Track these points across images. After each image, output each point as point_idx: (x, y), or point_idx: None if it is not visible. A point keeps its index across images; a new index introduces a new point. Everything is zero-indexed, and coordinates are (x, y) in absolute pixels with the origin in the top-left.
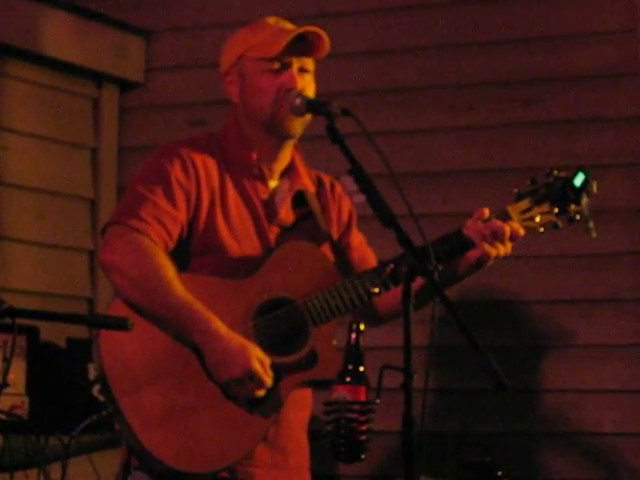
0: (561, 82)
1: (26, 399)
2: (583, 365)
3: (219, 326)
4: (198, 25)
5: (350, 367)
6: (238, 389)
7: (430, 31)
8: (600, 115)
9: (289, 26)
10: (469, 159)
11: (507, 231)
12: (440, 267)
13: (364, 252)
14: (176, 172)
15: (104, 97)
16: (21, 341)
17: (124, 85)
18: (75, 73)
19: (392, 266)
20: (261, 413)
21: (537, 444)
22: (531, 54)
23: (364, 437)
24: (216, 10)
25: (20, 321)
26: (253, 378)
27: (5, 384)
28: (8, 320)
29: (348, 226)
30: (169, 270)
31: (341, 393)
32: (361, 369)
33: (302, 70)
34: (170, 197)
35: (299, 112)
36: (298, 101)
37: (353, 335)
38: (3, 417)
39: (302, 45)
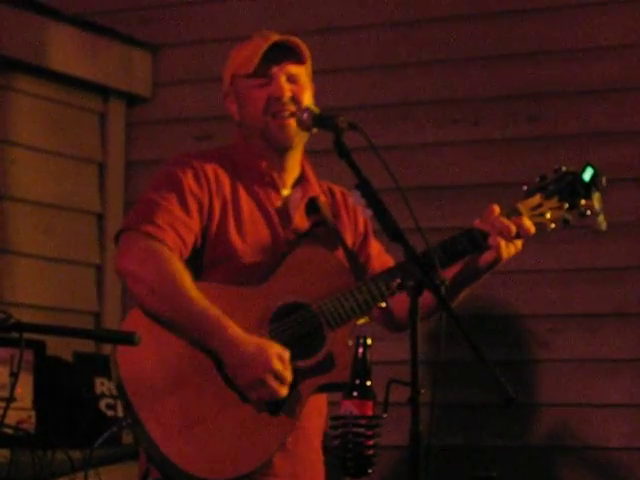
0: (567, 97)
1: (33, 413)
2: (590, 379)
3: (236, 331)
4: (205, 40)
5: (357, 382)
6: (261, 391)
7: (435, 45)
8: (606, 130)
9: (268, 39)
10: (474, 174)
11: (515, 228)
12: (453, 270)
13: (384, 260)
14: (189, 181)
15: (111, 111)
16: (28, 355)
17: (131, 99)
18: (82, 87)
19: (399, 280)
20: (282, 417)
21: (544, 459)
22: (536, 68)
23: (371, 452)
24: (223, 25)
25: (27, 335)
26: (275, 376)
27: (12, 398)
28: (15, 334)
29: (365, 236)
30: (186, 277)
31: (348, 408)
32: (368, 384)
33: (291, 79)
34: (184, 205)
35: (306, 126)
36: (305, 116)
37: (360, 349)
38: (10, 431)
39: (284, 53)
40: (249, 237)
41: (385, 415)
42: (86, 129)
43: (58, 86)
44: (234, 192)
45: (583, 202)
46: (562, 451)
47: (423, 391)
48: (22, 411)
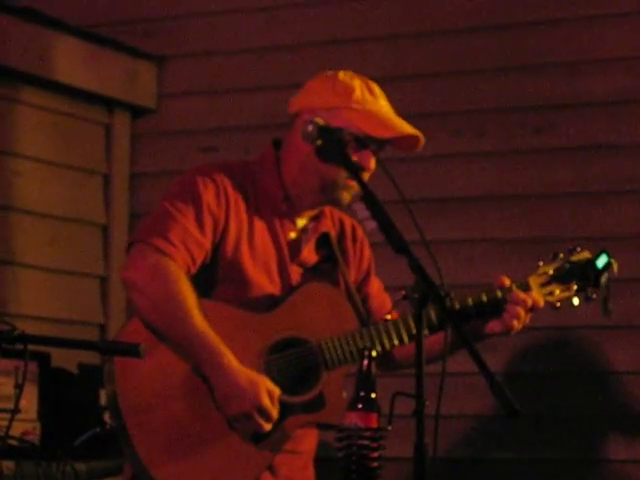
0: (573, 108)
1: (38, 425)
2: (596, 391)
3: (230, 360)
4: (210, 51)
5: (362, 394)
6: (245, 424)
7: (441, 57)
8: (612, 142)
9: (395, 120)
10: (480, 186)
11: (531, 302)
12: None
13: (382, 299)
14: (208, 197)
15: (116, 123)
16: (33, 367)
17: (136, 111)
18: (87, 99)
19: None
20: (265, 447)
21: (550, 471)
22: (542, 80)
23: (376, 464)
24: (228, 37)
25: (32, 347)
26: (262, 412)
27: (17, 410)
28: (20, 346)
29: (367, 274)
30: (190, 297)
31: (353, 420)
32: (373, 396)
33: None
34: (199, 222)
35: (311, 138)
36: (310, 127)
37: (365, 362)
38: (15, 443)
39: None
40: (259, 265)
41: (390, 427)
42: (91, 141)
43: (63, 98)
44: (250, 215)
45: (592, 288)
46: (568, 463)
47: (428, 403)
48: (27, 423)
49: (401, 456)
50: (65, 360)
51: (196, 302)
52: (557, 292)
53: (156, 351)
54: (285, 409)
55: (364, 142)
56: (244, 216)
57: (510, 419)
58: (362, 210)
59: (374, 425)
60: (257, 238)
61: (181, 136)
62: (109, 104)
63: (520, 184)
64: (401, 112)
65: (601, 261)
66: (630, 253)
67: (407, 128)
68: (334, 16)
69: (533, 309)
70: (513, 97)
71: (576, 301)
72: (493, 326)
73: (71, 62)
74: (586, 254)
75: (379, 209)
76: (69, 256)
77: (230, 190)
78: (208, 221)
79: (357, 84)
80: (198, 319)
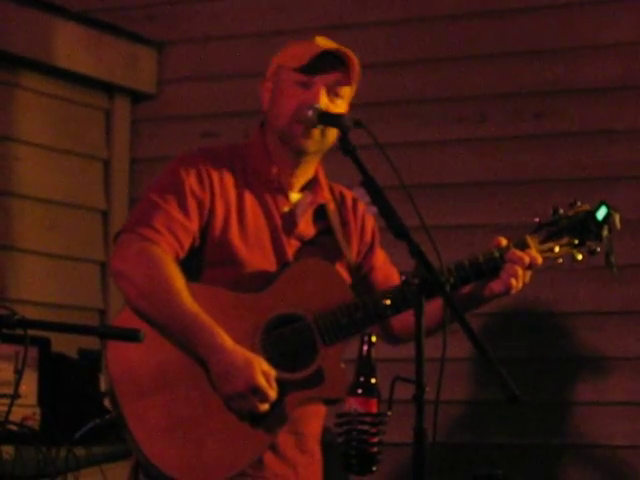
0: (572, 95)
1: (37, 410)
2: (594, 377)
3: (224, 339)
4: (210, 37)
5: (362, 379)
6: (242, 403)
7: (441, 43)
8: (611, 128)
9: (326, 43)
10: (480, 171)
11: (528, 259)
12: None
13: (388, 271)
14: (190, 181)
15: (116, 108)
16: (32, 352)
17: (136, 96)
18: (87, 84)
19: (404, 277)
20: (264, 427)
21: (549, 456)
22: (542, 67)
23: (375, 449)
24: (228, 22)
25: (32, 332)
26: (257, 392)
27: (17, 395)
28: (20, 331)
29: (371, 246)
30: (178, 281)
31: (353, 405)
32: (373, 381)
33: (334, 94)
34: (183, 206)
35: (311, 124)
36: (310, 113)
37: (365, 347)
38: (14, 428)
39: (334, 66)
40: (252, 242)
41: (390, 412)
42: (91, 126)
43: (63, 83)
44: (240, 196)
45: (593, 240)
46: (567, 449)
47: (427, 388)
48: (27, 408)
49: (401, 441)
50: (65, 345)
51: (184, 285)
52: (557, 248)
53: (147, 338)
54: (284, 387)
55: (314, 82)
56: (232, 196)
57: (510, 405)
58: (362, 195)
59: (374, 410)
60: (248, 217)
61: (181, 121)
62: (109, 89)
63: (520, 170)
64: (400, 97)
65: (601, 213)
66: (628, 239)
67: (331, 43)
68: (335, 2)
69: (532, 266)
70: (513, 83)
71: (579, 256)
72: (493, 286)
73: (71, 47)
74: (586, 207)
75: (379, 195)
76: (69, 241)
77: (214, 173)
78: (192, 205)
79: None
80: (188, 301)
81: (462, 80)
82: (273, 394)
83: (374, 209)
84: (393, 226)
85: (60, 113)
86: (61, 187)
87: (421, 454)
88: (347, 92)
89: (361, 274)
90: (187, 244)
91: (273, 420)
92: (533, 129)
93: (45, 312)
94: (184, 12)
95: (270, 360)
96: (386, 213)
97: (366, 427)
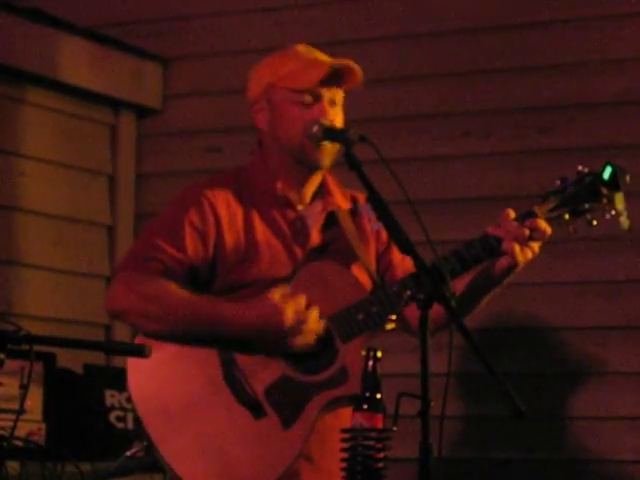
0: (577, 109)
1: (43, 426)
2: (600, 392)
3: (234, 305)
4: (215, 52)
5: (367, 394)
6: (298, 337)
7: (446, 58)
8: (616, 142)
9: (321, 57)
10: (485, 186)
11: (527, 231)
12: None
13: (407, 267)
14: (190, 217)
15: (121, 124)
16: (38, 368)
17: (141, 112)
18: (92, 100)
19: (409, 293)
20: (291, 434)
21: (555, 471)
22: (547, 81)
23: (381, 464)
24: (233, 37)
25: (37, 347)
26: (300, 314)
27: (22, 411)
28: (25, 347)
29: (388, 243)
30: (169, 285)
31: (358, 420)
32: (378, 396)
33: (332, 102)
34: (177, 240)
35: (316, 140)
36: (316, 129)
37: (370, 362)
38: (20, 444)
39: (333, 76)
40: (265, 260)
41: (395, 428)
42: (96, 141)
43: (69, 98)
44: (248, 219)
45: (604, 202)
46: (574, 464)
47: (433, 404)
48: (32, 423)
49: (406, 457)
50: (70, 361)
51: (178, 284)
52: (567, 216)
53: (166, 362)
54: (309, 391)
55: (315, 96)
56: (240, 224)
57: (516, 419)
58: (369, 211)
59: (379, 426)
60: (259, 237)
61: (186, 136)
62: (115, 105)
63: (525, 184)
64: (405, 112)
65: (607, 172)
66: (633, 254)
67: (337, 60)
68: (338, 17)
69: (536, 238)
70: (518, 98)
71: (594, 222)
72: (500, 263)
73: (77, 63)
74: (591, 170)
75: (385, 210)
76: (74, 256)
77: (220, 204)
78: (190, 238)
79: (286, 57)
80: (186, 294)
81: (467, 95)
82: (313, 313)
83: (380, 224)
84: (399, 241)
85: (65, 128)
86: (66, 202)
87: (427, 469)
88: (342, 96)
89: (381, 273)
90: (180, 272)
91: (302, 423)
92: (538, 144)
93: (50, 327)
94: (189, 28)
95: (291, 366)
96: (392, 228)
97: (371, 442)
